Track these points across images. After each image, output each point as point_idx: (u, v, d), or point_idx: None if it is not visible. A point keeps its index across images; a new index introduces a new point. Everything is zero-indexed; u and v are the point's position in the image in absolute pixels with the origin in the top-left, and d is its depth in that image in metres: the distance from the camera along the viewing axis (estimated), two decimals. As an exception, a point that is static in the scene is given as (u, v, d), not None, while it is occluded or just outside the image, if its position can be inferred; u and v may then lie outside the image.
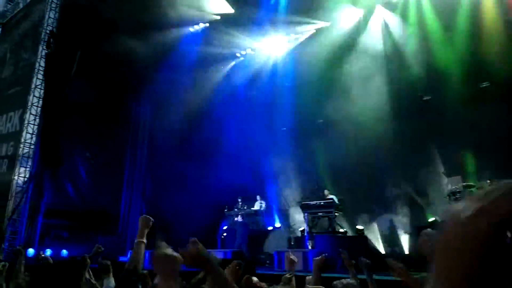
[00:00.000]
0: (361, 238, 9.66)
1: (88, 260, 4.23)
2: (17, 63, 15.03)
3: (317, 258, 3.26)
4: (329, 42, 12.10)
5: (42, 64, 13.58)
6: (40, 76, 13.54)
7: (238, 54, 14.98)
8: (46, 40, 13.61)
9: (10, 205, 12.59)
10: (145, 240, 2.12)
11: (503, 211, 0.47)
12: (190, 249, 1.23)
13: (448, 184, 9.65)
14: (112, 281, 3.44)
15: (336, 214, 10.03)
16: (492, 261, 0.47)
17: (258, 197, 12.07)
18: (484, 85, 9.69)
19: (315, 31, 13.07)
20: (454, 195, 9.07)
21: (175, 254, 1.22)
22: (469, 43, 9.84)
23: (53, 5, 14.24)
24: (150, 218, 2.22)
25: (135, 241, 2.12)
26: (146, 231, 2.12)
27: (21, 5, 16.50)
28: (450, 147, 9.61)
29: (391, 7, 11.69)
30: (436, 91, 10.22)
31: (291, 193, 12.42)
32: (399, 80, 10.64)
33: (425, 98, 10.36)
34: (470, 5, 10.13)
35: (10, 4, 17.52)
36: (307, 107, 12.20)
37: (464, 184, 9.07)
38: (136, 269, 2.11)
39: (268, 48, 14.47)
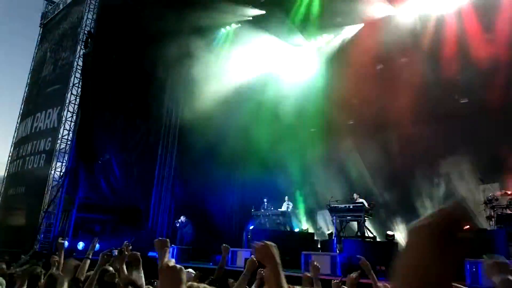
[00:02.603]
0: (391, 244, 9.41)
1: (125, 252, 4.31)
2: (57, 62, 15.64)
3: (352, 276, 3.39)
4: (363, 44, 11.88)
5: (80, 63, 14.08)
6: (77, 75, 14.05)
7: (268, 55, 14.96)
8: (84, 40, 14.12)
9: (47, 198, 13.11)
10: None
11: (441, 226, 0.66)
12: (262, 244, 1.48)
13: (484, 191, 9.26)
14: (141, 273, 3.48)
15: (365, 218, 9.83)
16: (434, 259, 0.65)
17: (286, 198, 12.03)
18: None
19: (348, 32, 12.89)
20: (490, 203, 8.69)
21: (178, 266, 1.36)
22: (509, 43, 9.41)
23: (91, 7, 14.76)
24: (164, 240, 2.07)
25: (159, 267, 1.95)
26: (165, 253, 1.98)
27: (61, 6, 17.19)
28: (487, 153, 9.22)
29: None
30: (473, 93, 9.83)
31: (319, 195, 12.28)
32: (435, 82, 10.29)
33: (462, 101, 9.98)
34: (510, 5, 9.69)
35: (50, 5, 18.30)
36: (337, 108, 12.02)
37: (501, 192, 8.68)
38: None
39: (298, 49, 14.38)
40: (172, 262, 1.38)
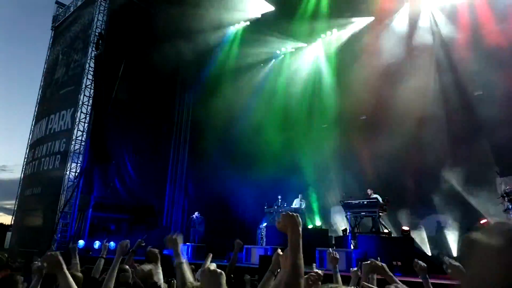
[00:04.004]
0: (407, 239, 9.29)
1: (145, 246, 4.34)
2: (69, 64, 15.82)
3: (367, 262, 3.20)
4: (374, 38, 11.75)
5: (92, 64, 14.21)
6: (90, 76, 14.19)
7: (278, 52, 14.92)
8: (95, 42, 14.25)
9: (62, 198, 13.30)
10: (183, 260, 2.14)
11: None
12: (287, 213, 1.56)
13: (502, 184, 9.07)
14: (160, 270, 3.50)
15: (380, 214, 9.73)
16: None
17: (299, 196, 11.97)
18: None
19: (358, 27, 12.76)
20: (508, 196, 8.53)
21: (219, 270, 1.46)
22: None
23: (102, 8, 14.88)
24: (176, 236, 2.24)
25: (174, 263, 2.13)
26: (178, 249, 2.16)
27: (71, 9, 17.38)
28: (504, 145, 9.02)
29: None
30: (488, 85, 9.62)
31: (333, 191, 12.19)
32: (449, 75, 10.11)
33: (476, 94, 9.78)
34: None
35: (61, 8, 18.52)
36: (348, 103, 11.91)
37: (520, 184, 8.50)
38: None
39: (310, 45, 14.29)
40: (213, 266, 1.50)
